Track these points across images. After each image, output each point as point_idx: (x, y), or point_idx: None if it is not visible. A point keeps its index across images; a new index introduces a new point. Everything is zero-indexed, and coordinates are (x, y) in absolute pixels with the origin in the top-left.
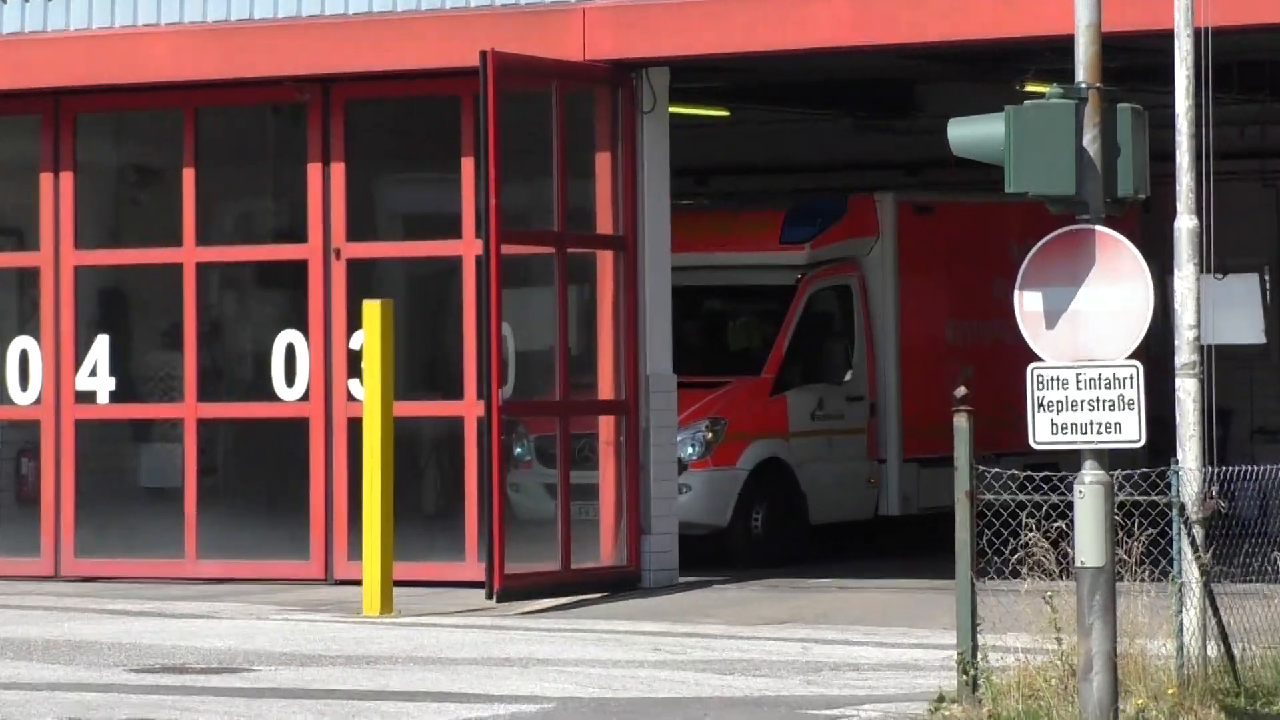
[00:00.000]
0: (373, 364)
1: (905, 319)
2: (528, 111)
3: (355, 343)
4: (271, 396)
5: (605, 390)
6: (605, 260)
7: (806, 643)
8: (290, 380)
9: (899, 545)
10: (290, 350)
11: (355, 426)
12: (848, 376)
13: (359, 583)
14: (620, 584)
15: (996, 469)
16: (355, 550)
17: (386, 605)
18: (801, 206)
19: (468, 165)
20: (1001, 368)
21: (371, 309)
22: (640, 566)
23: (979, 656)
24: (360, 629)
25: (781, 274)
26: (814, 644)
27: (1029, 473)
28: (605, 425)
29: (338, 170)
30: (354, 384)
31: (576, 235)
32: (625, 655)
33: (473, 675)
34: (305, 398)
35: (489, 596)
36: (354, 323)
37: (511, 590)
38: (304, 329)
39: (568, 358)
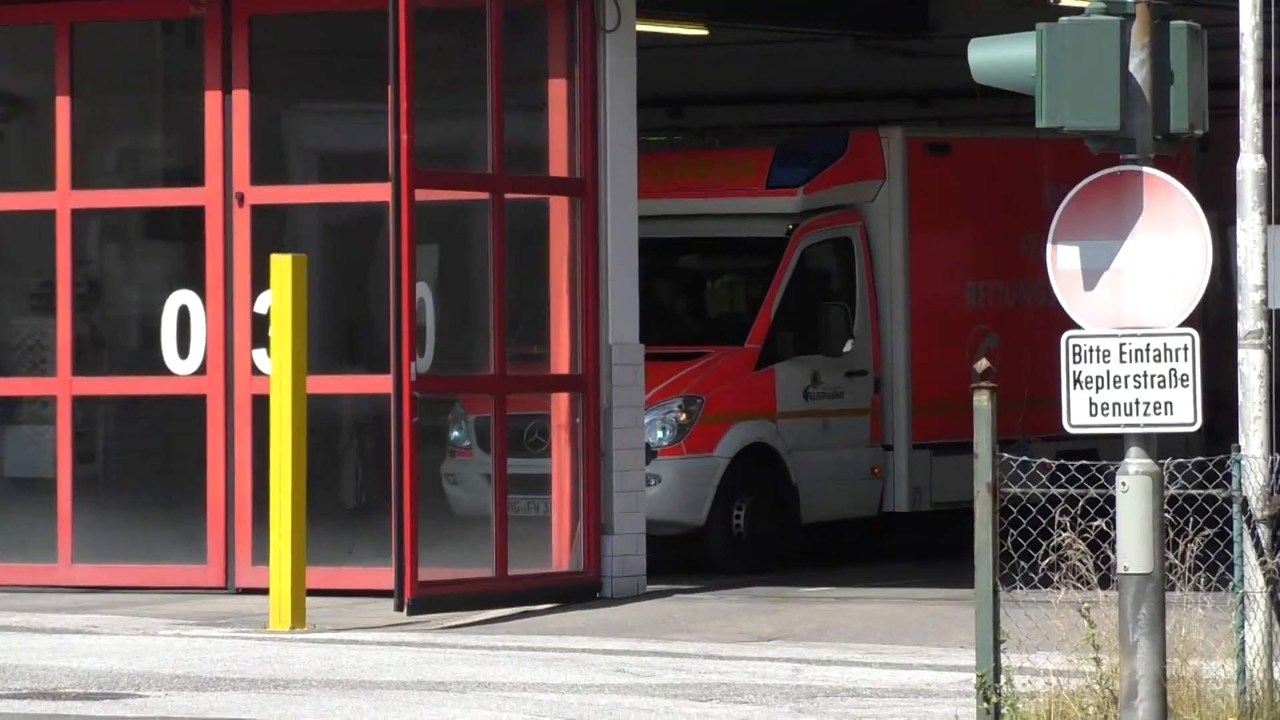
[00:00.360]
0: (282, 330)
1: (917, 278)
2: (469, 31)
3: (261, 305)
4: (162, 369)
5: (560, 363)
6: (560, 208)
7: (798, 663)
8: (184, 350)
9: (908, 547)
10: (184, 314)
11: (262, 405)
12: (848, 347)
13: (266, 591)
14: (576, 593)
15: (1024, 457)
16: (262, 554)
17: (298, 619)
18: (793, 144)
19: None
20: (1031, 337)
21: (281, 265)
22: (600, 572)
23: (1002, 680)
24: (267, 646)
25: (769, 224)
26: (806, 665)
27: (1062, 461)
28: (559, 405)
29: (241, 100)
30: (259, 355)
31: (518, 178)
32: (582, 678)
33: (400, 702)
34: (202, 371)
35: (399, 608)
36: (260, 282)
37: (430, 600)
38: (201, 290)
39: (504, 324)
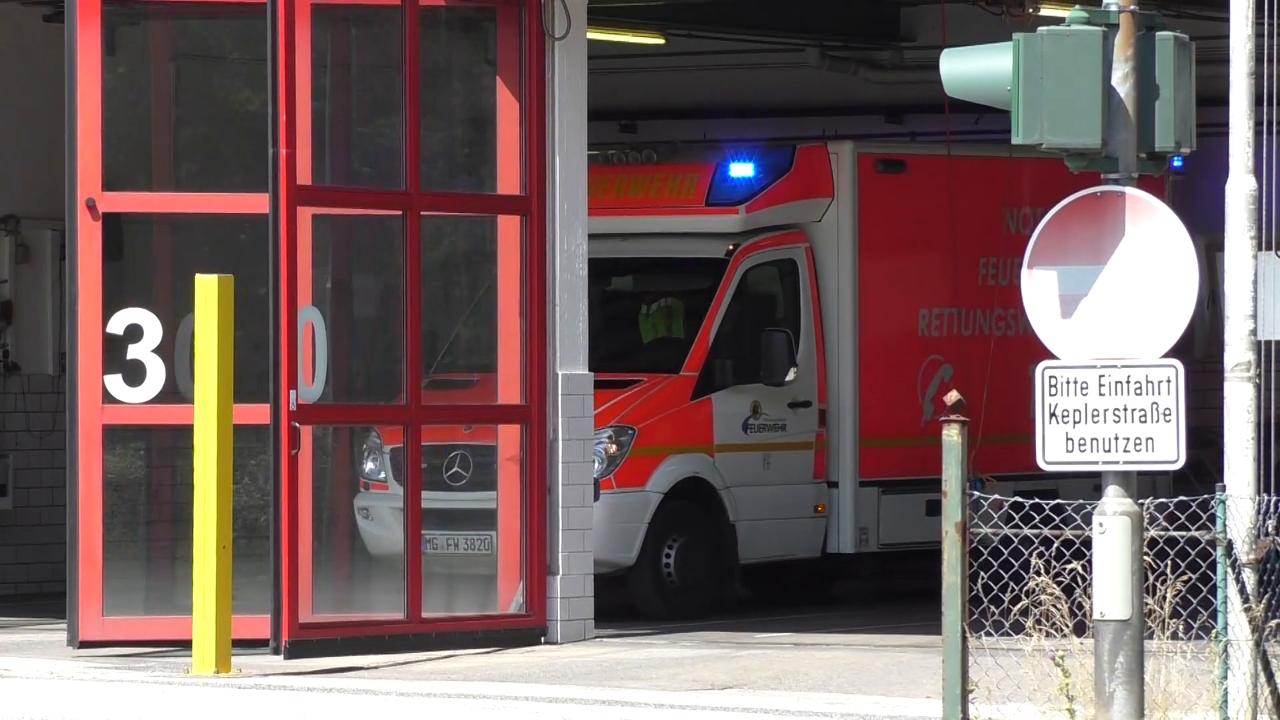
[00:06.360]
0: (207, 356)
1: (866, 304)
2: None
3: (116, 326)
4: None
5: (509, 392)
6: (509, 227)
7: (757, 713)
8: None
9: (853, 593)
10: None
11: (115, 436)
12: (791, 376)
13: (112, 644)
14: (519, 637)
15: (996, 495)
16: (116, 603)
17: (223, 662)
18: (734, 158)
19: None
20: (988, 367)
21: (206, 286)
22: (545, 616)
23: None
24: (210, 693)
25: (708, 244)
26: (766, 714)
27: (1036, 500)
28: (506, 436)
29: (91, 96)
30: (113, 381)
31: (436, 194)
32: None
33: None
34: None
35: (275, 651)
36: (113, 299)
37: (314, 644)
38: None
39: (419, 350)
